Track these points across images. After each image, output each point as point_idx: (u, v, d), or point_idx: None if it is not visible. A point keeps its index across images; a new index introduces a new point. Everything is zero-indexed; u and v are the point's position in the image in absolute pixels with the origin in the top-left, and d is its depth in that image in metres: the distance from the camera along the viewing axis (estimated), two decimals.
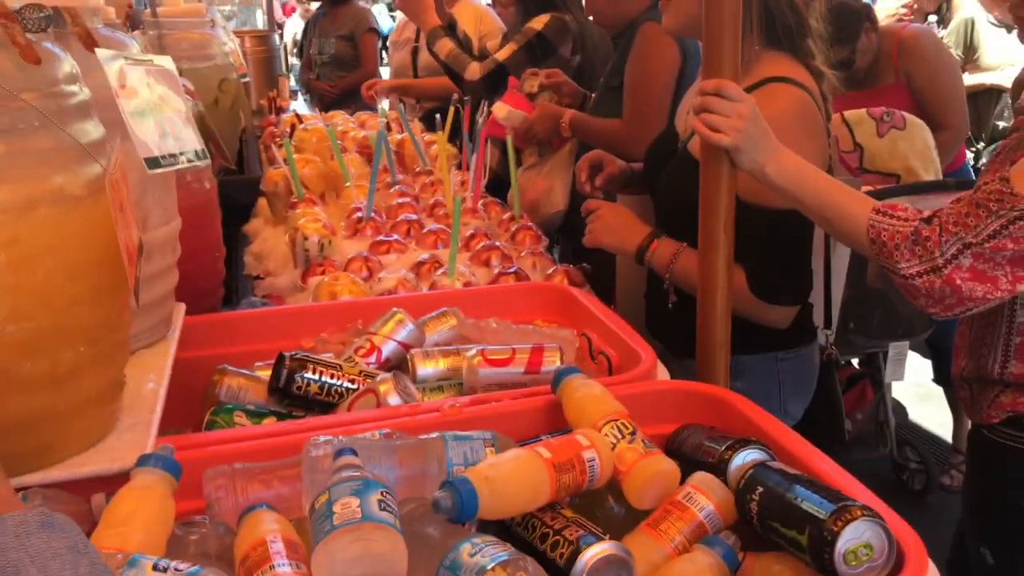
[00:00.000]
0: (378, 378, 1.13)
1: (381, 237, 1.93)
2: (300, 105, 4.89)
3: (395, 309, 1.35)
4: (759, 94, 1.50)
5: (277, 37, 4.68)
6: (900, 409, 3.36)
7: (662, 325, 1.74)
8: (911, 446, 3.07)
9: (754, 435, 1.02)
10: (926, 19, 4.56)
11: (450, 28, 2.96)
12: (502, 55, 2.84)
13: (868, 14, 2.97)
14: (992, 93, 4.27)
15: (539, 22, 2.83)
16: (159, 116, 1.21)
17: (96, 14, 1.20)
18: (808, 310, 1.75)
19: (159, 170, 1.15)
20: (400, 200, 2.18)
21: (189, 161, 1.25)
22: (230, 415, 1.15)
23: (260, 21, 4.75)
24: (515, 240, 1.99)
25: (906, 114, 2.63)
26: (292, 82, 5.97)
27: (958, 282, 1.22)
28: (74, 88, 0.95)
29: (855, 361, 2.64)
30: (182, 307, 1.41)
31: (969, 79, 3.97)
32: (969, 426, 1.57)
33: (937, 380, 3.12)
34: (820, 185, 1.32)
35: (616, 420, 0.97)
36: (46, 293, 0.87)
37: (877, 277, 2.11)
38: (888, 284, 1.44)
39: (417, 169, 2.57)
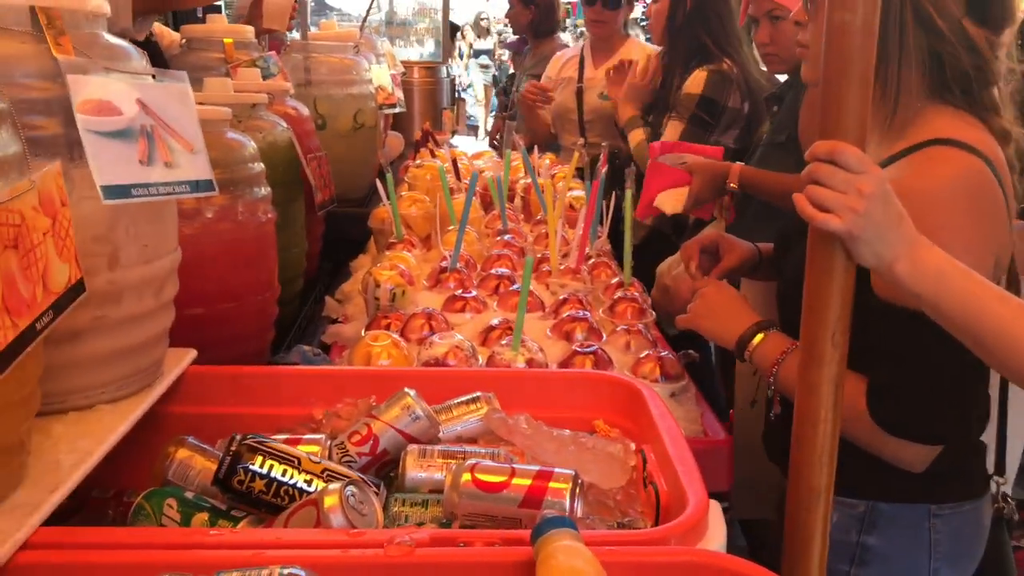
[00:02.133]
0: (328, 487, 0.89)
1: (459, 292, 1.70)
2: (467, 141, 4.81)
3: (406, 391, 1.11)
4: (915, 160, 1.14)
5: (448, 68, 4.61)
6: None
7: (774, 441, 1.39)
8: None
9: None
10: None
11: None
12: (672, 137, 2.63)
13: None
14: None
15: (696, 85, 2.57)
16: (149, 140, 1.05)
17: (95, 19, 1.06)
18: (979, 452, 1.34)
19: (122, 200, 0.99)
20: (500, 251, 1.94)
21: (181, 192, 1.09)
22: (162, 502, 0.95)
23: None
24: (614, 312, 1.69)
25: None
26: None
27: None
28: None
29: None
30: (189, 354, 1.25)
31: None
32: None
33: None
34: (974, 294, 0.95)
35: None
36: None
37: None
38: None
39: (538, 218, 2.33)
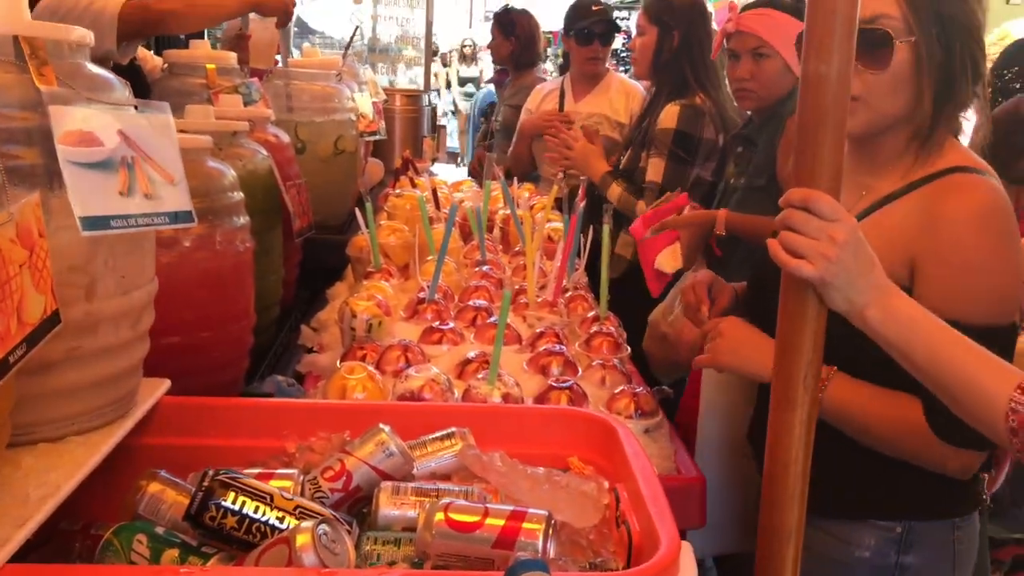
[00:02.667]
0: (300, 525, 0.88)
1: (437, 324, 1.70)
2: (447, 169, 4.82)
3: (380, 427, 1.11)
4: (941, 187, 1.19)
5: (429, 97, 4.64)
6: None
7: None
8: None
9: None
10: None
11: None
12: (656, 176, 2.71)
13: None
14: None
15: (670, 119, 2.64)
16: (130, 171, 1.05)
17: (79, 49, 1.06)
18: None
19: (100, 232, 0.98)
20: (477, 283, 1.95)
21: (160, 224, 1.08)
22: (131, 537, 0.94)
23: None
24: (590, 346, 1.70)
25: None
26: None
27: None
28: None
29: None
30: (163, 384, 1.24)
31: None
32: None
33: None
34: (943, 343, 0.97)
35: None
36: None
37: None
38: None
39: (516, 249, 2.34)
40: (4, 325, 0.81)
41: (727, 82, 2.36)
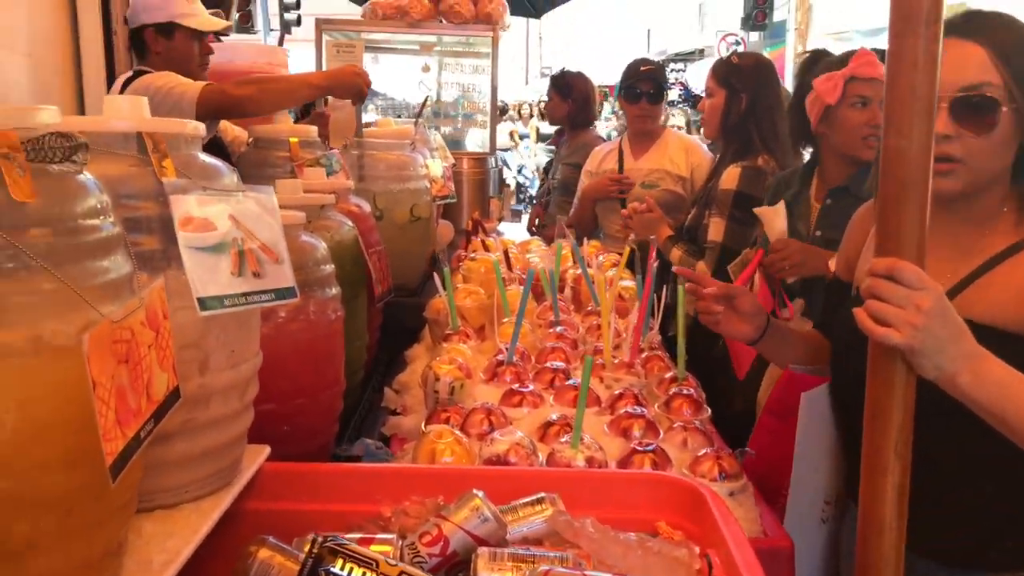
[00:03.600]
0: None
1: (517, 387, 1.74)
2: (514, 228, 4.91)
3: (475, 492, 1.14)
4: None
5: (495, 160, 4.75)
6: None
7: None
8: None
9: None
10: None
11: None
12: (716, 236, 2.75)
13: None
14: None
15: (731, 181, 2.68)
16: (240, 252, 1.12)
17: (192, 141, 1.15)
18: None
19: (216, 311, 1.05)
20: (553, 344, 1.99)
21: (267, 301, 1.15)
22: None
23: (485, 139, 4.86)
24: (670, 407, 1.71)
25: None
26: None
27: None
28: (95, 223, 0.86)
29: None
30: (263, 451, 1.30)
31: None
32: None
33: None
34: None
35: None
36: (4, 454, 0.76)
37: None
38: None
39: (589, 309, 2.37)
40: (136, 403, 0.88)
41: (851, 129, 2.25)
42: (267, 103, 2.63)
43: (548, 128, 12.55)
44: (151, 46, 2.96)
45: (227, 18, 5.86)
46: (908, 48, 0.98)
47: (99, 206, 0.87)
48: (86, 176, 0.88)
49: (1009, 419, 0.99)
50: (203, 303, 1.03)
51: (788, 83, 5.50)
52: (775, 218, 2.25)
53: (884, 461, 1.00)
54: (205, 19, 3.00)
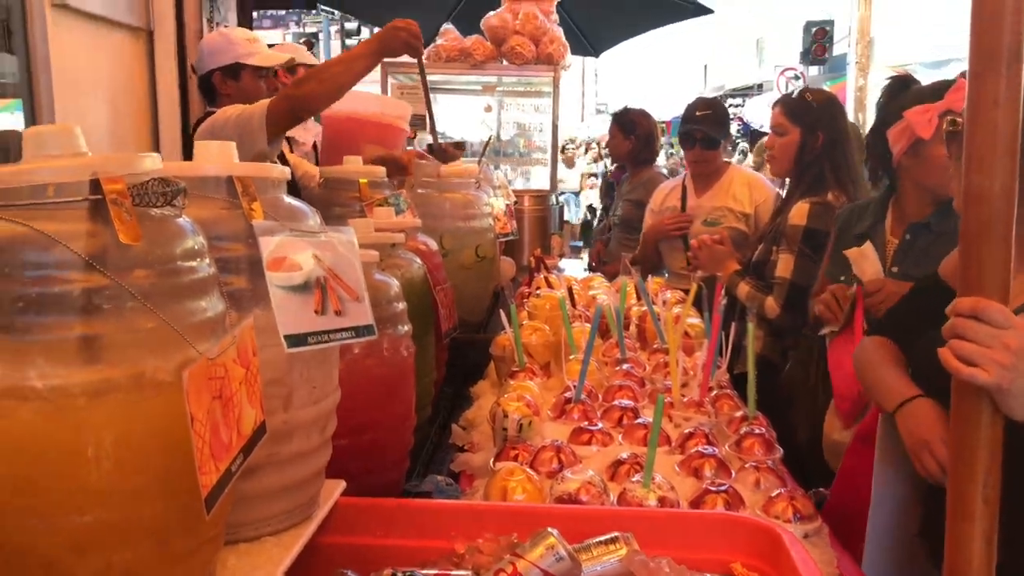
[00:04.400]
0: None
1: (585, 424, 1.74)
2: (574, 264, 4.93)
3: (549, 530, 1.14)
4: None
5: (555, 197, 4.79)
6: None
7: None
8: None
9: None
10: None
11: None
12: (785, 272, 2.72)
13: None
14: None
15: (800, 216, 2.65)
16: (323, 291, 1.16)
17: (277, 184, 1.19)
18: None
19: (302, 348, 1.08)
20: (621, 382, 1.99)
21: (347, 338, 1.18)
22: None
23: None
24: (741, 447, 1.70)
25: None
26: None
27: None
28: (193, 264, 0.90)
29: None
30: (339, 485, 1.32)
31: None
32: None
33: None
34: None
35: None
36: (106, 485, 0.79)
37: None
38: None
39: (655, 346, 2.37)
40: (228, 437, 0.91)
41: (943, 166, 2.21)
42: (331, 90, 2.61)
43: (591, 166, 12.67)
44: (220, 89, 3.07)
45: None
46: (989, 87, 0.98)
47: (197, 248, 0.91)
48: (185, 219, 0.92)
49: None
50: (289, 340, 1.06)
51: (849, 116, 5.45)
52: (864, 260, 2.22)
53: (970, 508, 0.98)
54: (267, 55, 3.11)
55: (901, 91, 2.24)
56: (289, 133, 4.00)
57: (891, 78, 2.33)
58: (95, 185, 0.81)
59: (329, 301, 1.15)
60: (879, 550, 1.49)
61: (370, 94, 3.50)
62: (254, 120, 2.62)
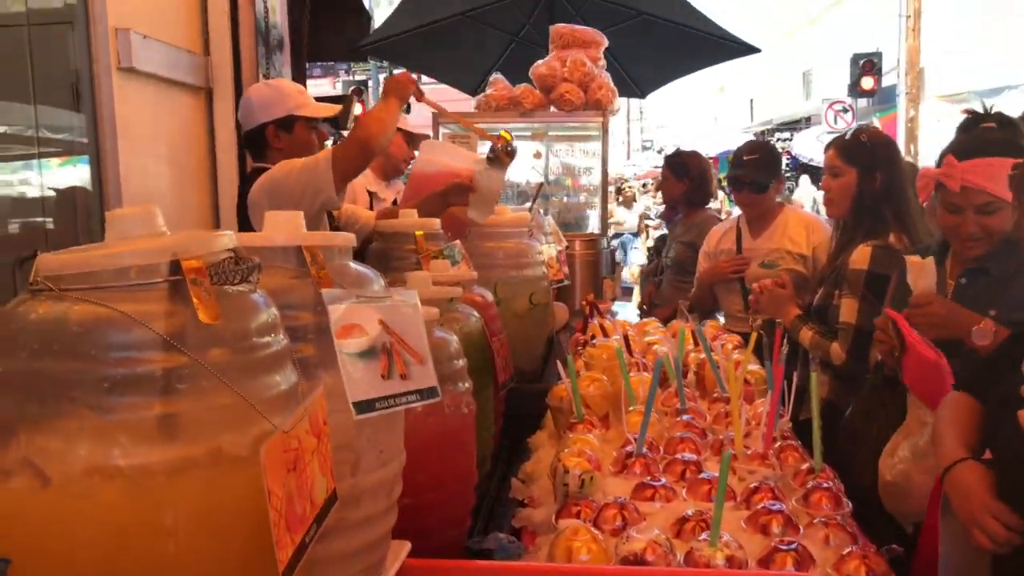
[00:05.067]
0: None
1: (648, 480, 1.72)
2: (625, 307, 4.91)
3: None
4: None
5: (606, 240, 4.80)
6: None
7: None
8: None
9: None
10: None
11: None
12: (850, 317, 2.70)
13: None
14: None
15: (862, 260, 2.62)
16: (389, 355, 1.17)
17: (343, 251, 1.22)
18: None
19: (370, 414, 1.10)
20: (683, 434, 1.96)
21: (413, 402, 1.19)
22: None
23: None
24: (808, 502, 1.66)
25: None
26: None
27: None
28: (268, 339, 0.92)
29: None
30: (405, 546, 1.33)
31: None
32: None
33: None
34: None
35: None
36: (186, 560, 0.81)
37: None
38: None
39: (715, 395, 2.33)
40: (302, 508, 0.92)
41: (945, 228, 2.22)
42: (385, 130, 2.75)
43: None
44: (272, 143, 3.02)
45: (348, 116, 6.19)
46: None
47: (271, 322, 0.93)
48: (259, 294, 0.94)
49: None
50: (358, 407, 1.07)
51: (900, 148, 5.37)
52: (922, 272, 2.18)
53: None
54: (318, 107, 3.11)
55: (969, 129, 2.22)
56: (372, 189, 4.10)
57: (968, 111, 2.29)
58: (175, 266, 0.84)
59: (395, 365, 1.17)
60: None
61: (443, 148, 3.52)
62: (319, 168, 2.68)
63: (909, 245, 2.62)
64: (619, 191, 15.65)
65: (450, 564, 1.33)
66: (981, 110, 2.25)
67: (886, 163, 2.78)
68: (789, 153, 17.48)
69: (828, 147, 3.01)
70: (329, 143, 3.41)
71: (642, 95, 7.49)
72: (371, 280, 1.23)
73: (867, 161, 2.79)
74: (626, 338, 2.69)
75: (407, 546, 1.33)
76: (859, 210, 2.80)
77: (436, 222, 2.50)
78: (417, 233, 2.44)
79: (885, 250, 2.64)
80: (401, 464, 1.25)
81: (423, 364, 1.22)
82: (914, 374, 1.99)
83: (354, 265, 1.24)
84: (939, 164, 2.25)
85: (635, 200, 15.59)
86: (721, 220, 4.31)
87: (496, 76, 4.84)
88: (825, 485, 1.68)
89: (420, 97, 2.92)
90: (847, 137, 2.97)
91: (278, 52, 4.71)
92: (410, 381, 1.19)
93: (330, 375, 1.11)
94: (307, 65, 5.17)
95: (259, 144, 3.06)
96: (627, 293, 7.05)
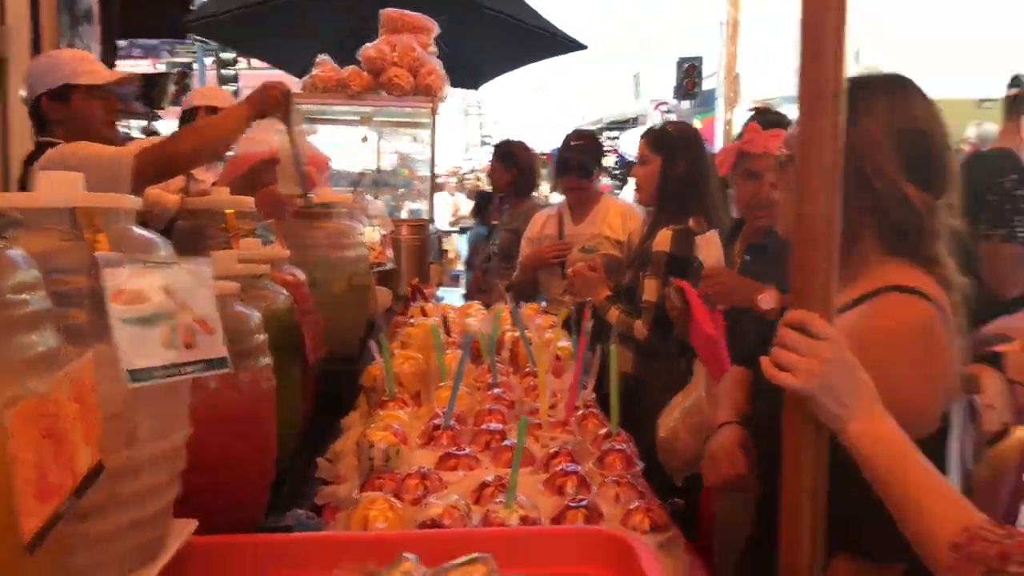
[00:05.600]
0: None
1: (453, 450, 1.76)
2: (454, 293, 4.96)
3: (405, 555, 1.16)
4: (874, 305, 1.27)
5: (433, 226, 4.84)
6: None
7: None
8: None
9: None
10: None
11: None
12: (652, 296, 2.86)
13: None
14: None
15: (663, 243, 2.86)
16: (172, 323, 1.14)
17: (128, 215, 1.17)
18: None
19: (146, 383, 1.06)
20: (491, 406, 2.02)
21: (198, 371, 1.16)
22: None
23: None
24: (603, 463, 1.75)
25: None
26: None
27: None
28: (25, 297, 0.87)
29: None
30: (189, 525, 1.29)
31: None
32: None
33: None
34: (904, 467, 1.03)
35: None
36: None
37: None
38: None
39: (527, 370, 2.41)
40: (59, 478, 0.88)
41: (742, 199, 2.44)
42: (205, 153, 2.56)
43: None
44: (49, 115, 2.79)
45: (164, 95, 5.84)
46: (818, 126, 1.08)
47: (28, 281, 0.89)
48: (17, 251, 0.89)
49: (879, 477, 1.03)
50: (133, 375, 1.04)
51: (718, 147, 5.73)
52: (709, 245, 2.36)
53: (799, 511, 1.05)
54: (99, 73, 2.84)
55: (765, 113, 2.43)
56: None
57: (753, 110, 2.50)
58: None
59: (178, 334, 1.13)
60: (723, 555, 1.57)
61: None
62: (120, 168, 2.46)
63: (707, 228, 2.81)
64: (460, 182, 15.75)
65: (235, 539, 1.31)
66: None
67: (688, 152, 2.97)
68: (617, 151, 18.17)
69: (640, 138, 3.19)
70: (138, 126, 3.20)
71: (475, 86, 7.56)
72: (157, 246, 1.19)
73: (671, 150, 2.97)
74: (445, 319, 2.73)
75: (192, 524, 1.29)
76: (663, 196, 2.98)
77: (248, 200, 2.43)
78: (227, 212, 2.36)
79: (685, 233, 2.82)
80: (184, 436, 1.22)
81: (211, 334, 1.20)
82: (698, 342, 2.17)
83: (140, 230, 1.20)
84: (739, 137, 2.45)
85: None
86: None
87: (323, 57, 4.75)
88: (619, 447, 1.78)
89: (288, 122, 2.68)
90: (656, 128, 3.16)
91: (85, 23, 4.43)
92: (196, 351, 1.16)
93: (106, 343, 1.06)
94: (125, 44, 4.87)
95: (39, 117, 2.84)
96: (456, 280, 7.12)
